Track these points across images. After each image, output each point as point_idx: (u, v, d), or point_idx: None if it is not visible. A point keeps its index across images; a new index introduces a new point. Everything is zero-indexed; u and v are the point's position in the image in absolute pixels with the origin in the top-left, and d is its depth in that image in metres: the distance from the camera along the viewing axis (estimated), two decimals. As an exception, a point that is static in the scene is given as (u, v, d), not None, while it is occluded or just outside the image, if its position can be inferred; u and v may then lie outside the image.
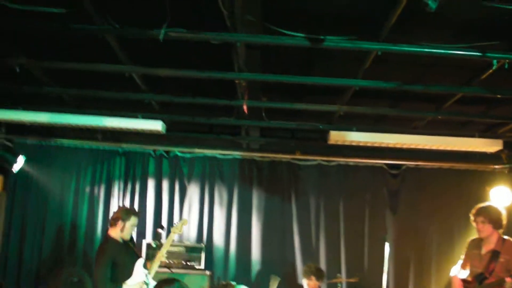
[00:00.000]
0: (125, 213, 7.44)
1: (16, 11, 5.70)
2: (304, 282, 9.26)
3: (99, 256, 7.26)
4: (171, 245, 9.46)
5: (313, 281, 9.19)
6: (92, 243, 10.38)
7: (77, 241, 10.47)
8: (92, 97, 8.66)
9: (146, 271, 7.10)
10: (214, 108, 8.98)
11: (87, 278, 9.36)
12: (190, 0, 5.57)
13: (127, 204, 10.63)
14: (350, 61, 6.90)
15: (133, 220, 7.40)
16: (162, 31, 5.64)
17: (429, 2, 4.59)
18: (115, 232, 7.34)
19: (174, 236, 7.62)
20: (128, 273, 7.11)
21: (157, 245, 7.30)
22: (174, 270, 9.36)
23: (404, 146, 9.14)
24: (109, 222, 7.59)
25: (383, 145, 9.07)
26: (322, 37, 5.88)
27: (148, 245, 9.72)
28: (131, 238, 7.59)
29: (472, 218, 7.23)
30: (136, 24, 5.90)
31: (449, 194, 10.91)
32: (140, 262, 7.19)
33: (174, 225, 7.65)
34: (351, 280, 9.72)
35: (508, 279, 6.61)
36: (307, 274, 9.26)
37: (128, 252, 7.36)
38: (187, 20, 5.78)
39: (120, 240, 7.35)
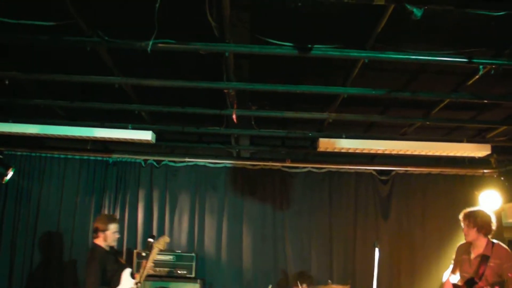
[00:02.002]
0: (102, 222, 7.63)
1: (5, 24, 5.72)
2: (296, 290, 9.31)
3: (89, 263, 7.41)
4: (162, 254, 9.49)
5: (304, 289, 9.27)
6: (82, 255, 10.31)
7: (68, 253, 10.43)
8: (83, 109, 8.66)
9: (134, 281, 7.14)
10: (204, 118, 9.01)
11: None
12: (179, 11, 5.59)
13: (118, 214, 10.58)
14: (339, 69, 6.95)
15: (113, 228, 7.61)
16: (150, 42, 5.68)
17: (414, 10, 4.65)
18: (100, 242, 7.55)
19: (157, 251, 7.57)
20: (116, 281, 7.22)
21: (147, 255, 7.32)
22: (165, 279, 9.37)
23: (394, 152, 9.18)
24: (92, 234, 7.73)
25: (372, 151, 9.11)
26: (309, 45, 5.93)
27: (138, 255, 9.69)
28: (112, 247, 7.71)
29: (461, 221, 7.29)
30: (126, 36, 5.93)
31: (439, 199, 10.99)
32: (127, 272, 7.30)
33: (155, 240, 7.58)
34: (342, 286, 9.73)
35: None
36: (299, 282, 9.29)
37: (115, 260, 7.57)
38: (176, 31, 5.81)
39: (107, 248, 7.55)
